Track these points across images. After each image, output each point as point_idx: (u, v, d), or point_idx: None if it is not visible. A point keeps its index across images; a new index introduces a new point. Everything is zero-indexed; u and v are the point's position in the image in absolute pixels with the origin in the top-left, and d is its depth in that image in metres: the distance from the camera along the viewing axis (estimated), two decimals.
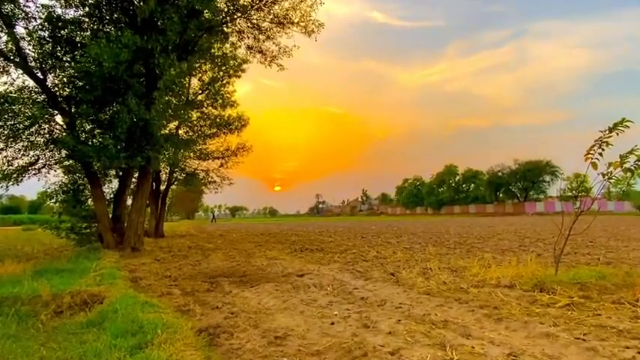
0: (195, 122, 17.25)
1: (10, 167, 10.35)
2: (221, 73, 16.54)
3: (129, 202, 12.84)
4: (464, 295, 5.13)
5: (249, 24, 12.17)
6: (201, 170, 19.36)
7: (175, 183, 20.45)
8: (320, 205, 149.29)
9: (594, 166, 4.88)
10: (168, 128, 15.90)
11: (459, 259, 8.48)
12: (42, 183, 13.99)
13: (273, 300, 5.27)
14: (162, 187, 19.72)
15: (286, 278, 6.82)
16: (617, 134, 4.82)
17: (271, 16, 11.81)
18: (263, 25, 12.16)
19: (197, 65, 14.99)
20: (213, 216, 68.29)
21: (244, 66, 16.13)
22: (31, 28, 9.92)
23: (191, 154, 17.99)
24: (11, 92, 10.02)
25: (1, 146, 10.12)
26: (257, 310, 4.74)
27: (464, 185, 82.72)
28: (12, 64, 10.05)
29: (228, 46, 14.79)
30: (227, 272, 7.68)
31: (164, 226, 20.48)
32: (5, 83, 10.15)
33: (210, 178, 19.51)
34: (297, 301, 5.16)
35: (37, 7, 9.99)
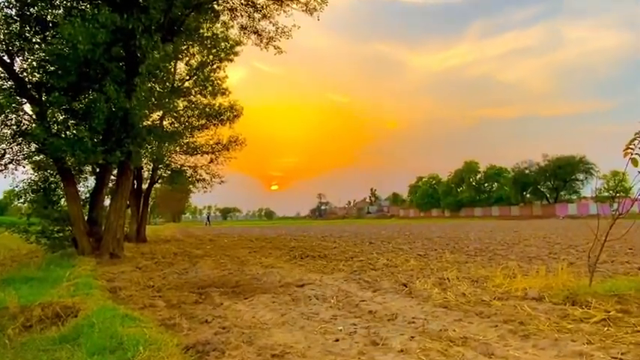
0: (181, 112, 17.31)
1: None
2: (211, 56, 16.56)
3: (107, 202, 12.89)
4: (486, 309, 5.13)
5: (242, 0, 12.16)
6: (189, 167, 19.43)
7: (159, 181, 20.53)
8: (322, 207, 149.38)
9: (634, 162, 4.84)
10: (151, 119, 15.93)
11: (480, 267, 8.49)
12: (9, 181, 14.04)
13: (269, 313, 5.28)
14: (145, 186, 19.78)
15: (284, 289, 6.86)
16: None
17: None
18: (258, 2, 12.16)
19: (184, 48, 15.02)
20: (208, 218, 68.29)
21: (237, 49, 16.16)
22: None
23: (177, 148, 18.01)
24: None
25: None
26: (251, 325, 4.76)
27: (486, 184, 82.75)
28: None
29: (219, 25, 14.81)
30: (218, 282, 7.72)
31: (146, 229, 20.55)
32: None
33: (198, 176, 19.58)
34: (297, 314, 5.18)
35: None
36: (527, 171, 74.20)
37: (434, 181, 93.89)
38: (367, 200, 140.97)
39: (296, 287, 6.98)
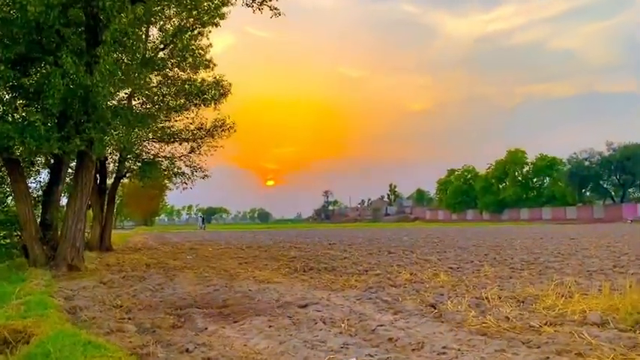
0: (155, 90, 17.25)
1: None
2: (191, 19, 16.49)
3: (64, 202, 12.96)
4: (535, 337, 5.15)
5: None
6: (164, 157, 19.45)
7: (128, 176, 20.55)
8: (330, 207, 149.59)
9: None
10: (117, 98, 15.91)
11: (528, 284, 8.52)
12: None
13: (265, 341, 5.31)
14: (110, 182, 19.85)
15: (283, 310, 6.90)
16: None
17: None
18: None
19: (157, 9, 14.97)
20: (203, 220, 68.17)
21: (224, 10, 16.01)
22: None
23: (149, 134, 18.02)
24: None
25: None
26: (243, 356, 4.79)
27: (535, 180, 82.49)
28: None
29: None
30: (200, 301, 7.79)
31: (112, 235, 20.70)
32: None
33: (176, 169, 19.63)
34: (299, 342, 5.20)
35: None
36: (586, 163, 73.69)
37: (469, 176, 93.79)
38: (385, 199, 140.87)
39: (297, 308, 7.03)
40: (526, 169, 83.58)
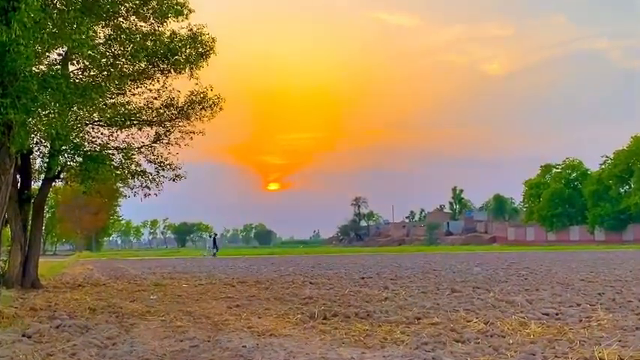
0: (102, 49, 17.35)
1: None
2: None
3: None
4: None
5: None
6: (116, 149, 19.55)
7: (63, 177, 20.51)
8: (363, 222, 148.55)
9: None
10: (47, 61, 16.01)
11: None
12: None
13: None
14: (36, 186, 19.82)
15: None
16: None
17: None
18: None
19: None
20: (214, 242, 61.48)
21: None
22: None
23: (95, 114, 18.12)
24: None
25: None
26: None
27: None
28: None
29: None
30: None
31: (40, 265, 20.64)
32: None
33: (134, 166, 19.76)
34: None
35: None
36: None
37: (574, 175, 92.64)
38: (446, 210, 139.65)
39: None
40: None
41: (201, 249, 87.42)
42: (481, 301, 13.57)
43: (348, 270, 27.54)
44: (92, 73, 17.54)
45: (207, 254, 58.07)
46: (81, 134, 18.78)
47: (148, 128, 19.27)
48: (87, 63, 17.43)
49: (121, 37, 17.35)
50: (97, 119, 18.68)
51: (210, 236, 68.85)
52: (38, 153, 19.48)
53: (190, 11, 17.57)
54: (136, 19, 17.30)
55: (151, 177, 19.92)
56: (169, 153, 19.88)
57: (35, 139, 17.52)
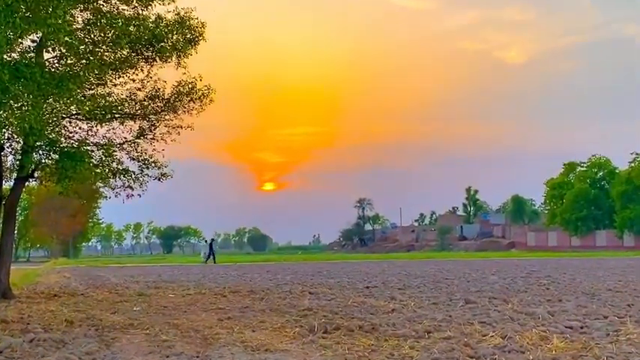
0: (81, 35, 17.30)
1: None
2: None
3: None
4: None
5: None
6: (96, 145, 19.53)
7: (37, 176, 20.50)
8: (367, 226, 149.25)
9: None
10: (19, 49, 16.02)
11: None
12: None
13: None
14: (8, 186, 19.89)
15: None
16: None
17: None
18: None
19: None
20: (211, 247, 59.67)
21: None
22: None
23: (72, 107, 17.81)
24: None
25: None
26: None
27: None
28: None
29: None
30: None
31: (12, 273, 20.57)
32: None
33: (115, 163, 19.72)
34: None
35: None
36: None
37: (601, 174, 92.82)
38: (459, 213, 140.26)
39: None
40: None
41: (197, 255, 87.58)
42: (498, 313, 13.58)
43: (352, 279, 27.70)
44: (69, 62, 17.44)
45: (203, 261, 57.60)
46: (57, 129, 18.51)
47: (131, 122, 19.24)
48: (63, 50, 17.33)
49: (101, 22, 17.20)
50: (74, 112, 18.50)
51: (207, 241, 68.54)
52: (10, 150, 19.46)
53: None
54: (117, 2, 17.31)
55: (134, 176, 19.84)
56: (154, 149, 19.84)
57: (7, 135, 17.37)
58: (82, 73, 16.96)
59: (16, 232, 24.45)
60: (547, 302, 15.68)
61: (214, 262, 54.90)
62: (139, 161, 19.88)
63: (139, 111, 18.94)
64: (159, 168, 19.99)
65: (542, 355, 8.73)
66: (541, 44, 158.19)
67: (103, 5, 17.02)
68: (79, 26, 17.10)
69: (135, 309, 15.93)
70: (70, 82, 15.99)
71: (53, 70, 16.88)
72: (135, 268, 49.01)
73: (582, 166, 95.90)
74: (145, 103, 18.87)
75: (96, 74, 17.61)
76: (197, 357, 9.15)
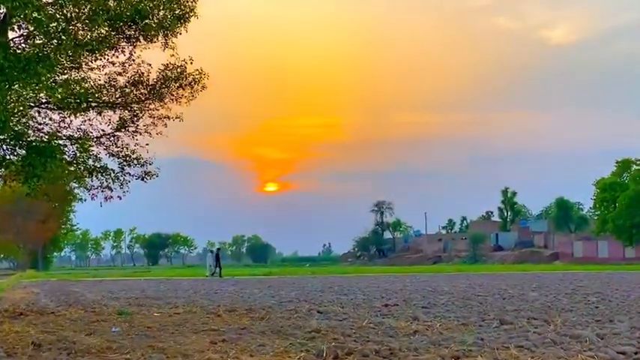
0: (51, 10, 17.09)
1: None
2: None
3: None
4: None
5: None
6: (69, 139, 19.65)
7: (0, 175, 20.84)
8: (387, 234, 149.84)
9: None
10: None
11: None
12: None
13: None
14: None
15: None
16: None
17: None
18: None
19: None
20: (217, 257, 59.80)
21: None
22: None
23: (41, 94, 18.04)
24: None
25: None
26: None
27: None
28: None
29: None
30: None
31: None
32: None
33: (91, 160, 19.78)
34: None
35: None
36: None
37: None
38: (493, 218, 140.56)
39: None
40: None
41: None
42: (538, 336, 13.34)
43: (368, 295, 27.71)
44: (38, 42, 17.42)
45: (209, 273, 57.06)
46: (24, 120, 18.72)
47: (110, 112, 19.25)
48: (31, 28, 17.30)
49: None
50: (44, 101, 18.62)
51: (212, 251, 67.95)
52: None
53: None
54: None
55: (113, 174, 19.95)
56: (137, 144, 19.89)
57: None
58: (52, 55, 16.92)
59: None
60: (596, 323, 15.52)
61: (220, 276, 54.70)
62: (119, 157, 19.92)
63: (120, 99, 18.98)
64: (142, 165, 20.02)
65: None
66: (592, 22, 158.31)
67: None
68: (50, 0, 16.95)
69: (114, 330, 15.73)
70: (39, 66, 16.09)
71: (19, 51, 16.92)
72: (115, 282, 49.45)
73: (638, 164, 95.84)
74: (127, 90, 18.89)
75: (69, 56, 17.62)
76: None
